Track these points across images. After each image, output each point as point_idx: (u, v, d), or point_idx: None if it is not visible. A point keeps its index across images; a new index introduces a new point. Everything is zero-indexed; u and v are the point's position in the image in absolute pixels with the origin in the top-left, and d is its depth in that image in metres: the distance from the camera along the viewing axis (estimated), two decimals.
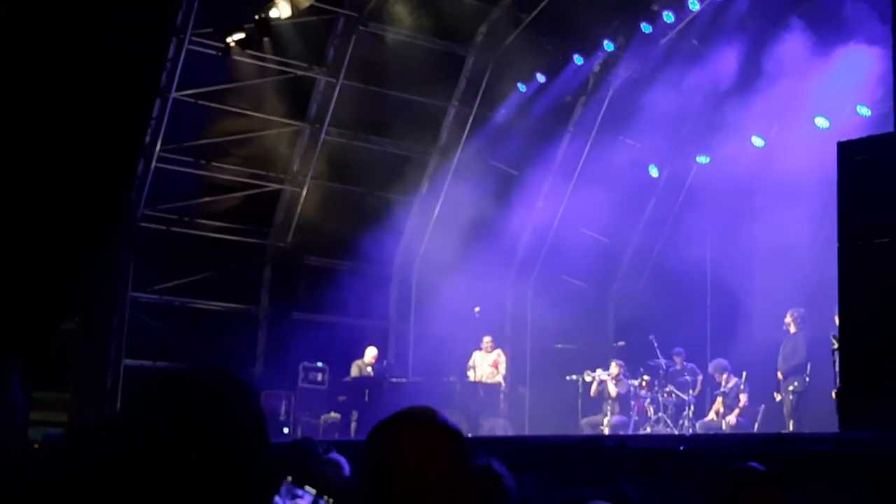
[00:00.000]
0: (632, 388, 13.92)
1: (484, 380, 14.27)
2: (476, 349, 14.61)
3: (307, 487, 1.92)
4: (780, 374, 12.52)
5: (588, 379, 14.28)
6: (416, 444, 1.87)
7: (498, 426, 13.94)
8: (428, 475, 1.84)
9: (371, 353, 14.61)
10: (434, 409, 1.94)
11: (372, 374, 14.43)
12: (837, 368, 8.76)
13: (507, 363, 14.70)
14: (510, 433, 13.89)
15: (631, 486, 4.00)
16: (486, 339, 14.60)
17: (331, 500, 1.86)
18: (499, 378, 14.44)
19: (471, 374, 14.26)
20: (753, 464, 3.80)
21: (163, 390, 1.19)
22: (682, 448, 7.31)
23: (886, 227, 7.75)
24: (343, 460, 5.15)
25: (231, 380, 1.19)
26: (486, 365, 14.46)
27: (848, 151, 8.28)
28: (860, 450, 6.19)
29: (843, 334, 8.26)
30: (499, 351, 14.69)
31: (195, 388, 1.17)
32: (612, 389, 13.94)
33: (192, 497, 1.08)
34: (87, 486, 1.06)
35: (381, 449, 1.89)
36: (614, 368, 14.09)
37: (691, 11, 14.54)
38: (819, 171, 10.47)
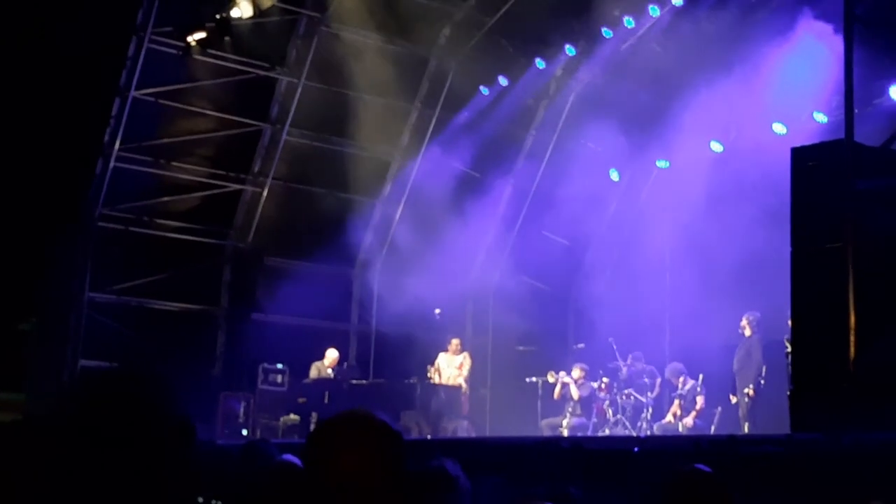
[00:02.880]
0: (592, 391, 14.02)
1: (449, 382, 14.29)
2: (439, 351, 14.62)
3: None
4: (735, 377, 12.65)
5: (552, 380, 14.35)
6: (351, 443, 1.89)
7: (461, 428, 13.98)
8: (363, 474, 1.85)
9: (331, 354, 14.55)
10: (371, 411, 1.95)
11: (332, 375, 14.38)
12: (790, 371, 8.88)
13: (470, 366, 14.73)
14: (473, 435, 13.93)
15: (576, 486, 4.03)
16: (454, 342, 14.62)
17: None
18: (460, 380, 14.47)
19: (435, 375, 14.25)
20: (700, 465, 3.86)
21: (88, 389, 1.20)
22: (636, 450, 7.37)
23: (837, 232, 7.87)
24: (298, 462, 5.18)
25: (156, 382, 1.20)
26: (452, 367, 14.48)
27: (801, 157, 8.40)
28: (809, 451, 6.29)
29: (796, 337, 8.38)
30: (465, 354, 14.72)
31: (118, 388, 1.18)
32: (576, 392, 14.02)
33: (107, 492, 1.08)
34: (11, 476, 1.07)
35: (318, 449, 1.91)
36: (577, 372, 14.17)
37: (652, 17, 14.67)
38: (776, 176, 10.60)
